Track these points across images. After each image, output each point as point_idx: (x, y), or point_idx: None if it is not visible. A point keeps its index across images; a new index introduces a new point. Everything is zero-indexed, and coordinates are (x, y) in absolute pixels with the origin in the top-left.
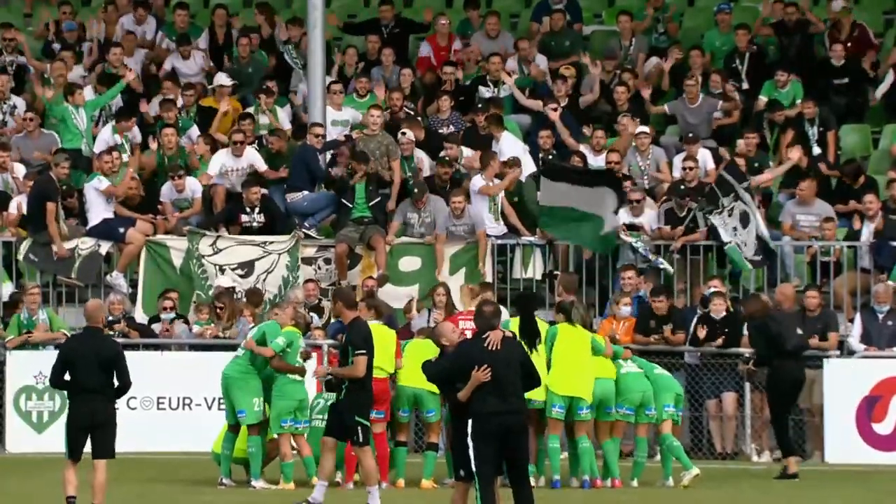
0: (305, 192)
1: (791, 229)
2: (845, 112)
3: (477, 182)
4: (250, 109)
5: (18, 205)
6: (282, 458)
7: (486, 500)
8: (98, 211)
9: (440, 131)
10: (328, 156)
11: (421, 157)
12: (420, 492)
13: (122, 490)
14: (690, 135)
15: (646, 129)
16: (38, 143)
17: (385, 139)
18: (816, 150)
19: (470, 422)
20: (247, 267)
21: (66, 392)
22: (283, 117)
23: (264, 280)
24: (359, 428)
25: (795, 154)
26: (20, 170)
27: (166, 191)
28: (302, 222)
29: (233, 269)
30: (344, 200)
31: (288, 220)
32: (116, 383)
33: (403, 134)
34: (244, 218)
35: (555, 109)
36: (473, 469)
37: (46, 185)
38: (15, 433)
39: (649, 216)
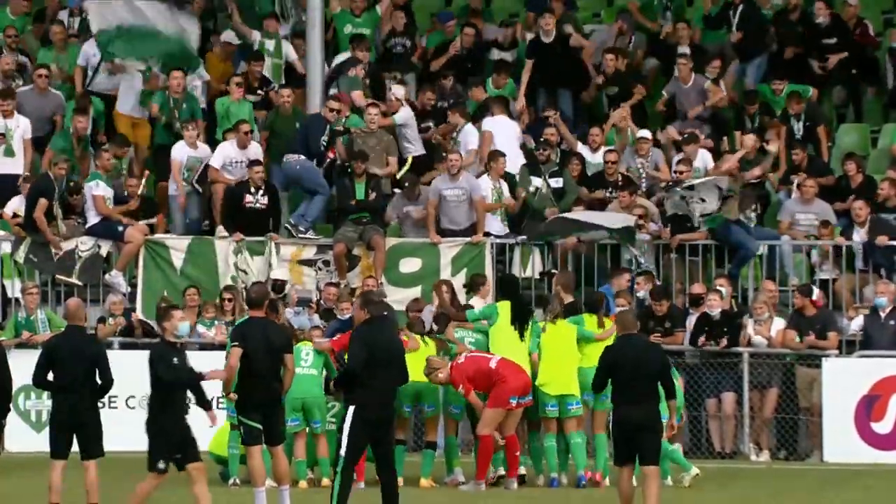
0: (302, 157)
1: (789, 228)
2: (841, 85)
3: (483, 182)
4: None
5: (14, 205)
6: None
7: (346, 483)
8: (96, 211)
9: (439, 104)
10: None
11: (407, 118)
12: (419, 490)
13: (121, 490)
14: (686, 135)
15: (646, 133)
16: (47, 100)
17: (384, 136)
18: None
19: (352, 409)
20: None
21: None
22: (289, 52)
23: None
24: (241, 427)
25: (773, 146)
26: (25, 124)
27: (178, 151)
28: (297, 224)
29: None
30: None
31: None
32: (100, 382)
33: (389, 90)
34: (248, 198)
35: (554, 113)
36: (343, 453)
37: (43, 184)
38: (14, 432)
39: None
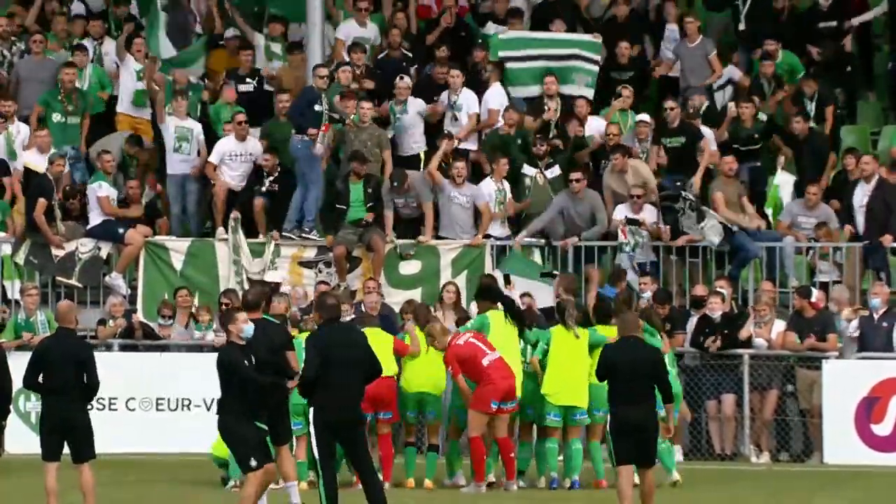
0: (306, 139)
1: (790, 229)
2: (832, 65)
3: (486, 186)
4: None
5: (13, 184)
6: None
7: (329, 482)
8: (99, 212)
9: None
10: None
11: (417, 106)
12: (420, 492)
13: (121, 491)
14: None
15: (646, 117)
16: (43, 66)
17: (376, 131)
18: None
19: (312, 411)
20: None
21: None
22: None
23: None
24: None
25: (706, 158)
26: (25, 130)
27: (166, 126)
28: (296, 225)
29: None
30: (338, 205)
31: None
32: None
33: (401, 78)
34: (263, 183)
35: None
36: (316, 455)
37: (42, 183)
38: (14, 434)
39: (649, 211)
